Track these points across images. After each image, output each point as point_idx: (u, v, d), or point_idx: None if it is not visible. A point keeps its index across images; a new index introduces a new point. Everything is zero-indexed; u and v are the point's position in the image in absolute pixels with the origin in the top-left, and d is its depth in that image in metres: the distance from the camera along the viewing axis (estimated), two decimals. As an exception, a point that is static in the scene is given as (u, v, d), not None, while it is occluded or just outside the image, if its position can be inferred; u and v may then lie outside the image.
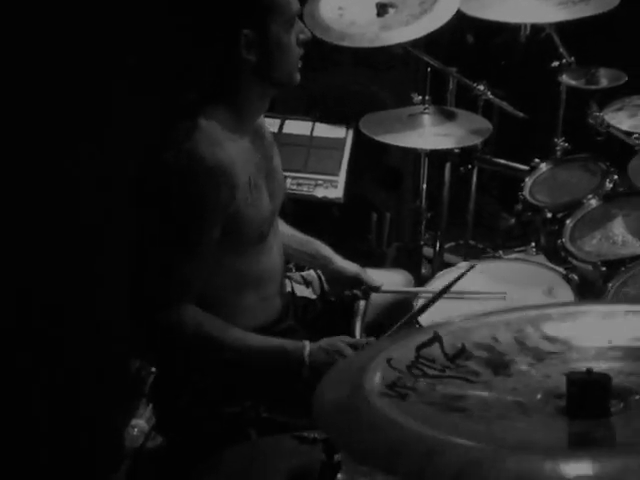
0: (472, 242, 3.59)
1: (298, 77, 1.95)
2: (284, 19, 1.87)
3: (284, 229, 2.29)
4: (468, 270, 2.15)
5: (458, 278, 2.17)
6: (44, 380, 2.45)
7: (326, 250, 2.30)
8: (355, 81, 3.37)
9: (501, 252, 3.00)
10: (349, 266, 2.29)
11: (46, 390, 2.46)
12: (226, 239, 1.90)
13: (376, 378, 1.01)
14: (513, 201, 2.84)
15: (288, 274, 2.37)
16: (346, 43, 2.78)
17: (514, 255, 2.79)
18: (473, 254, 3.60)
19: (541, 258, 2.73)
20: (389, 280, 2.41)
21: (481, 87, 2.99)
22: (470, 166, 3.12)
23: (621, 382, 1.03)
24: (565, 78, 2.84)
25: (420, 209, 3.02)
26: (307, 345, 1.91)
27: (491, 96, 2.99)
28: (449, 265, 3.49)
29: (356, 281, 2.28)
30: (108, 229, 2.59)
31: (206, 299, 1.92)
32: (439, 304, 2.23)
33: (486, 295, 2.25)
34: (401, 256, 3.32)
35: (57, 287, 2.44)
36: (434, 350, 1.09)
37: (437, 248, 3.30)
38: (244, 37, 1.83)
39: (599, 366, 1.04)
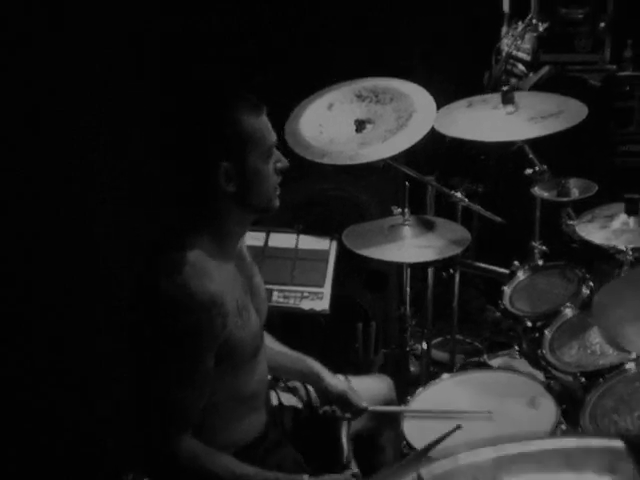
0: (459, 337, 3.67)
1: (277, 203, 2.03)
2: (261, 151, 1.95)
3: (274, 345, 2.37)
4: (453, 431, 2.05)
5: (443, 438, 1.98)
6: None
7: (316, 366, 2.37)
8: (337, 187, 3.46)
9: (485, 357, 3.07)
10: (338, 384, 2.36)
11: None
12: (222, 364, 1.96)
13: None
14: (497, 294, 2.90)
15: (274, 386, 2.43)
16: (326, 160, 2.83)
17: (498, 360, 2.86)
18: (460, 349, 3.68)
19: (524, 363, 2.79)
20: (371, 387, 2.50)
21: (458, 194, 3.07)
22: (452, 270, 3.18)
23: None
24: (538, 190, 2.90)
25: (405, 316, 3.07)
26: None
27: (468, 203, 3.07)
28: (436, 362, 3.59)
29: (343, 400, 2.34)
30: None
31: (203, 418, 1.96)
32: (427, 423, 2.30)
33: (472, 414, 2.27)
34: (389, 362, 3.37)
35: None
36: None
37: (424, 346, 3.37)
38: (223, 169, 1.91)
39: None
